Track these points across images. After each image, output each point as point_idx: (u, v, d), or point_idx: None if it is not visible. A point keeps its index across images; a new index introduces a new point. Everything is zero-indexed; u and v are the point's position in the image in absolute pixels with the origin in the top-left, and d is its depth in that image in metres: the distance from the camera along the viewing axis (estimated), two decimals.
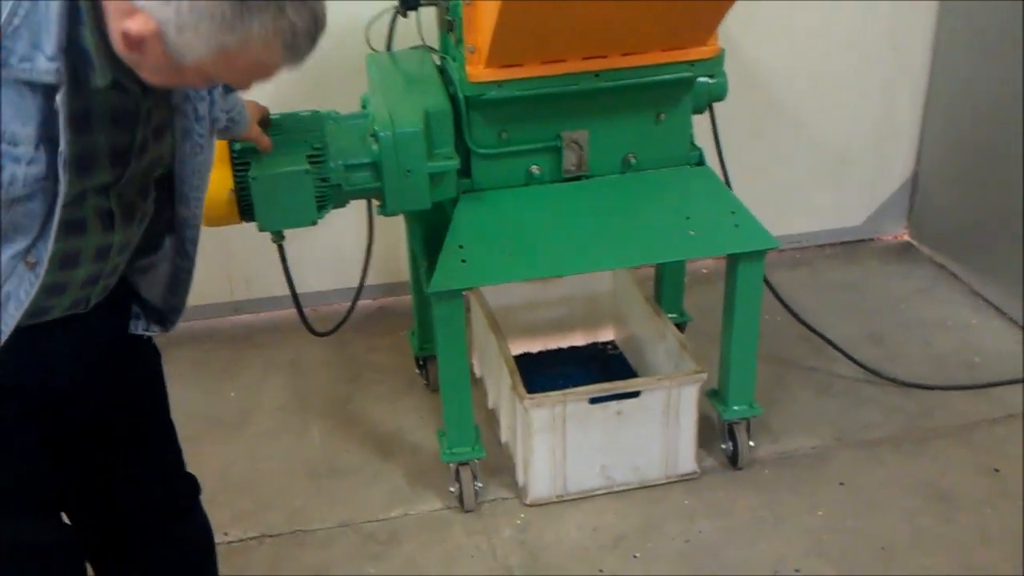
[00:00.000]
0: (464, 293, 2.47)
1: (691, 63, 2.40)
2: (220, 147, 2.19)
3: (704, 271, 3.76)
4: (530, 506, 2.66)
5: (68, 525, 1.75)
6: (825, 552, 2.48)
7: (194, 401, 3.03)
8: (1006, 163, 3.36)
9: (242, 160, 2.19)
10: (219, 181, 2.19)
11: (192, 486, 1.96)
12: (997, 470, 2.73)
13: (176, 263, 1.65)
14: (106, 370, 1.68)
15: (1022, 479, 2.69)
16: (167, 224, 1.60)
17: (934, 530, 2.54)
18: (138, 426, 1.79)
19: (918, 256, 3.86)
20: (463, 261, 2.42)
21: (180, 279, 1.68)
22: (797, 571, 2.43)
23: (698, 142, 2.65)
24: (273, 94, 3.11)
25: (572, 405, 2.55)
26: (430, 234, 2.60)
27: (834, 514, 2.60)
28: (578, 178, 2.54)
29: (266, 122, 2.20)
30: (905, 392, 3.05)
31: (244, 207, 2.23)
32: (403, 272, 3.46)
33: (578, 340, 3.28)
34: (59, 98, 1.23)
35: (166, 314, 1.72)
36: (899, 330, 3.39)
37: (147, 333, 1.73)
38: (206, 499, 1.98)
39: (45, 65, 1.20)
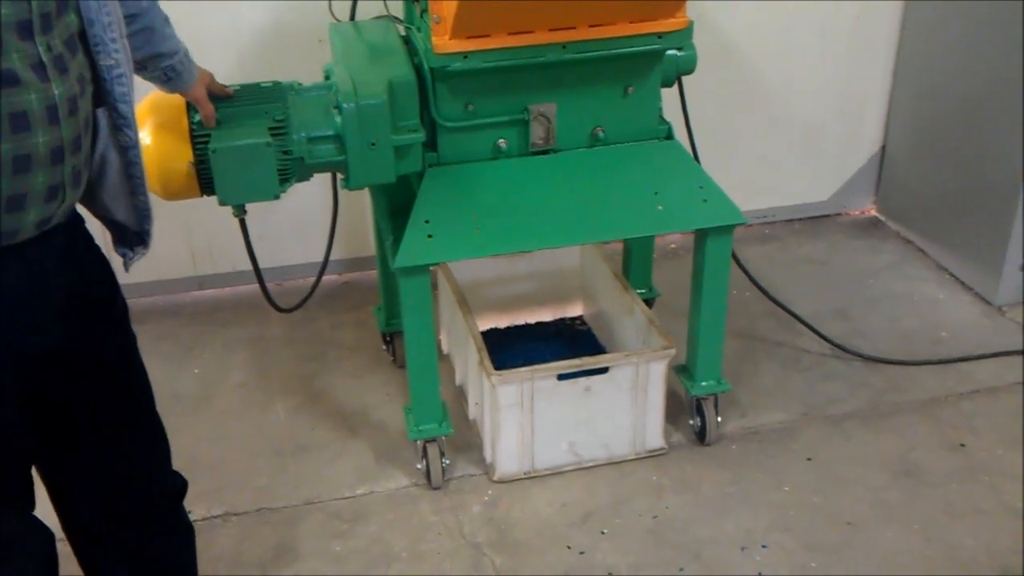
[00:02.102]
0: (431, 268, 2.44)
1: (660, 35, 2.37)
2: (179, 119, 2.16)
3: (672, 246, 3.75)
4: (498, 483, 2.65)
5: (38, 519, 1.71)
6: (791, 527, 2.49)
7: (157, 378, 2.94)
8: (974, 139, 3.37)
9: (202, 132, 2.15)
10: (178, 153, 2.15)
11: (177, 487, 1.97)
12: (963, 445, 2.75)
13: (121, 143, 1.60)
14: (85, 332, 1.65)
15: (988, 454, 2.71)
16: (96, 99, 1.55)
17: (900, 505, 2.55)
18: (121, 407, 1.78)
19: (885, 231, 3.87)
20: (429, 236, 2.39)
21: (133, 171, 1.64)
22: (764, 546, 2.43)
23: (667, 116, 2.63)
24: (234, 64, 3.11)
25: (540, 381, 2.54)
26: (396, 208, 2.57)
27: (800, 489, 2.61)
28: (546, 152, 2.52)
29: (213, 87, 2.14)
30: (872, 367, 3.06)
31: (204, 180, 2.18)
32: (369, 247, 3.44)
33: (546, 316, 3.26)
34: None
35: (141, 225, 1.70)
36: (866, 305, 3.40)
37: (132, 257, 1.73)
38: None
39: None
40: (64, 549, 1.81)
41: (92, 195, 1.62)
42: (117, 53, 1.52)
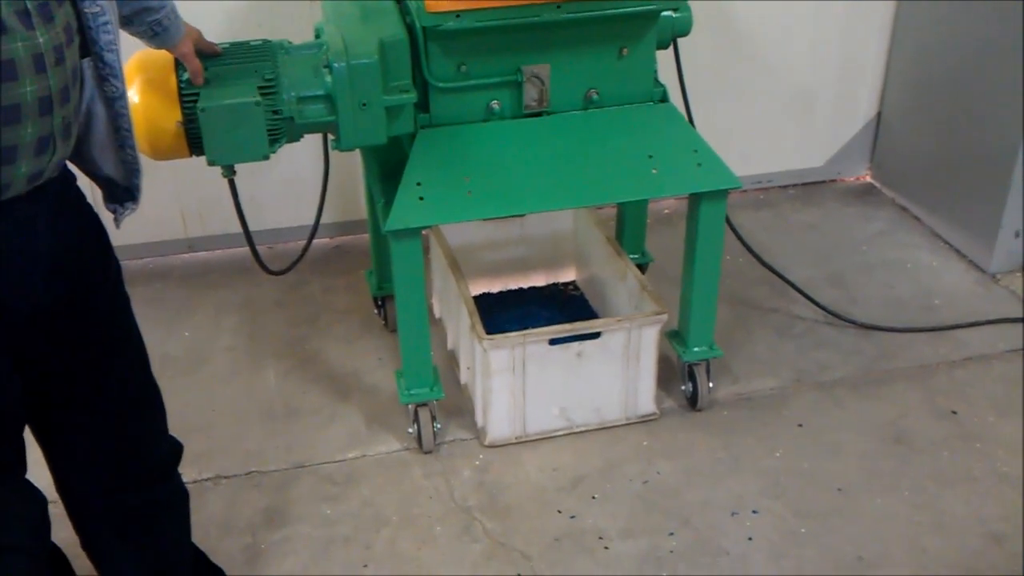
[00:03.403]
0: (423, 232, 2.42)
1: None
2: (167, 77, 2.13)
3: (666, 211, 3.73)
4: (489, 447, 2.64)
5: (29, 483, 1.70)
6: (782, 493, 2.49)
7: (147, 340, 2.97)
8: (969, 106, 3.34)
9: (190, 91, 2.11)
10: (166, 112, 2.12)
11: (173, 451, 1.97)
12: (955, 412, 2.75)
13: (107, 93, 1.58)
14: (77, 291, 1.64)
15: (980, 421, 2.71)
16: (82, 50, 1.53)
17: (891, 472, 2.55)
18: (116, 368, 1.77)
19: (880, 198, 3.86)
20: (421, 199, 2.37)
21: (121, 123, 1.62)
22: (754, 512, 2.44)
23: (662, 79, 2.60)
24: (223, 22, 3.07)
25: (532, 346, 2.53)
26: (387, 170, 2.54)
27: (792, 455, 2.61)
28: (539, 114, 2.49)
29: (201, 44, 2.11)
30: (864, 334, 3.06)
31: (193, 140, 2.15)
32: (361, 210, 3.42)
33: (539, 280, 3.25)
34: None
35: (130, 180, 1.69)
36: (860, 272, 3.39)
37: (123, 213, 1.72)
38: None
39: None
40: (56, 512, 1.80)
41: (80, 150, 1.60)
42: (101, 0, 1.50)
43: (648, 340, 2.61)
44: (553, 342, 2.54)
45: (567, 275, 3.26)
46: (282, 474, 2.58)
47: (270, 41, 2.26)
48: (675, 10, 2.51)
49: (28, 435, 1.69)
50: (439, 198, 2.38)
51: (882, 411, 2.76)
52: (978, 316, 3.12)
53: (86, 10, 1.49)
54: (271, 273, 2.70)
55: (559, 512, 2.45)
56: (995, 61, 3.18)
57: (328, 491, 2.53)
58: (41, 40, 1.37)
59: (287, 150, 2.37)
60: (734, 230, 2.96)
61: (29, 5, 1.36)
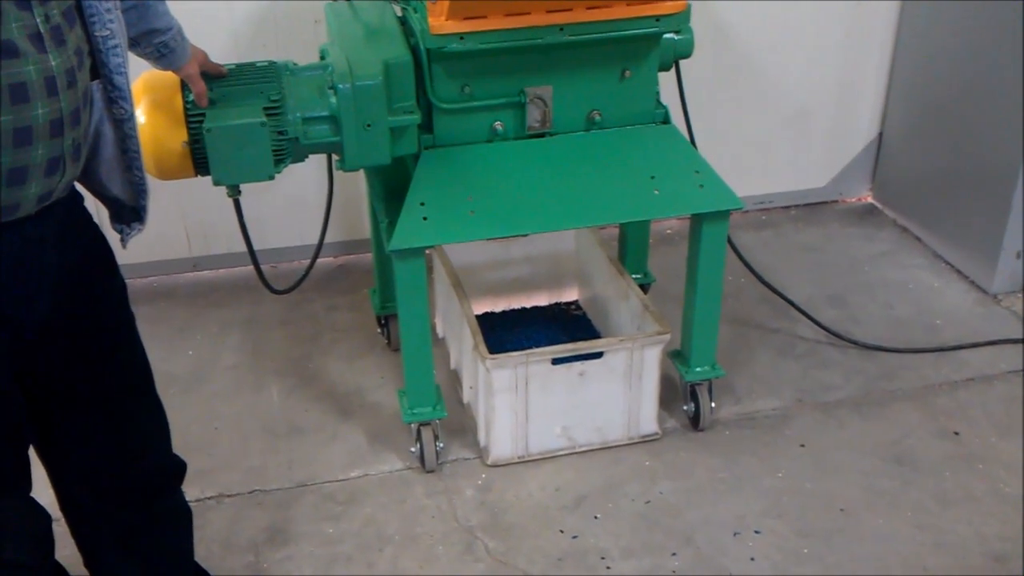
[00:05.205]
0: (426, 251, 2.44)
1: (657, 18, 2.36)
2: (173, 98, 2.15)
3: (668, 231, 3.74)
4: (492, 466, 2.65)
5: (34, 500, 1.71)
6: (784, 513, 2.49)
7: (151, 358, 2.98)
8: (971, 127, 3.36)
9: (196, 112, 2.13)
10: (172, 132, 2.14)
11: (176, 468, 1.97)
12: (957, 433, 2.75)
13: (116, 115, 1.60)
14: (82, 307, 1.65)
15: (982, 442, 2.71)
16: (92, 72, 1.55)
17: (893, 492, 2.55)
18: (119, 384, 1.78)
19: (882, 218, 3.87)
20: (424, 219, 2.38)
21: (129, 145, 1.64)
22: (756, 532, 2.44)
23: (664, 100, 2.62)
24: (229, 44, 3.10)
25: (534, 366, 2.53)
26: (391, 190, 2.56)
27: (794, 475, 2.61)
28: (542, 135, 2.51)
29: (207, 66, 2.13)
30: (866, 354, 3.06)
31: (199, 160, 2.17)
32: (364, 229, 3.44)
33: (541, 300, 3.26)
34: None
35: (137, 200, 1.70)
36: (861, 292, 3.40)
37: (130, 233, 1.74)
38: None
39: None
40: (59, 530, 1.81)
41: (88, 170, 1.62)
42: (112, 24, 1.52)
43: (650, 360, 2.61)
44: (556, 362, 2.55)
45: (570, 295, 3.27)
46: (284, 492, 2.59)
47: (275, 62, 2.29)
48: (677, 32, 2.53)
49: (32, 453, 1.70)
50: (443, 218, 2.40)
51: (884, 431, 2.76)
52: (979, 337, 3.13)
53: (96, 33, 1.51)
54: (275, 292, 2.72)
55: (561, 532, 2.45)
56: (996, 82, 3.20)
57: (330, 510, 2.53)
58: (53, 63, 1.39)
59: (292, 170, 2.39)
60: (736, 250, 2.98)
61: (42, 29, 1.38)
